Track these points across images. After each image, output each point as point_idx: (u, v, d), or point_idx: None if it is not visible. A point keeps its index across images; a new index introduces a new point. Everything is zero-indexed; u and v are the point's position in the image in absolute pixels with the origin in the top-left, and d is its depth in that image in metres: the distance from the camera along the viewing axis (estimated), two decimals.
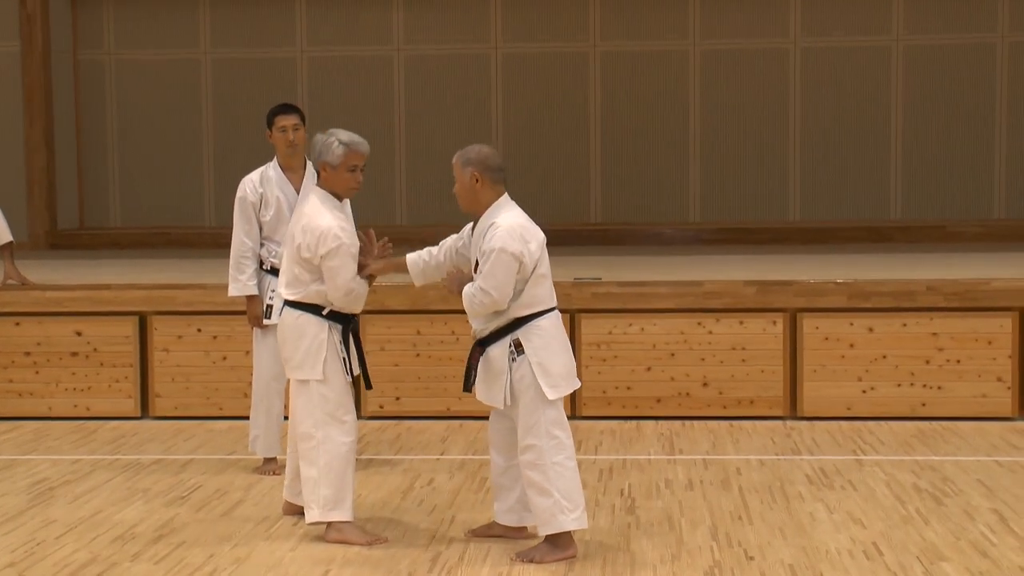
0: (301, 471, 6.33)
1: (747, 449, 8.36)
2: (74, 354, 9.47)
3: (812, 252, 12.47)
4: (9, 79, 14.60)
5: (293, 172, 7.62)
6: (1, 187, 14.08)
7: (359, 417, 7.32)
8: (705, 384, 9.24)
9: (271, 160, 7.76)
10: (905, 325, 9.15)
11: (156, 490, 7.40)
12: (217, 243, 13.69)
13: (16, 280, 9.71)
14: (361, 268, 6.27)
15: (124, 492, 7.36)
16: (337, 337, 6.26)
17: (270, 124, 7.70)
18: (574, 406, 9.21)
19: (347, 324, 6.31)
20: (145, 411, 9.50)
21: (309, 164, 7.56)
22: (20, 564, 6.02)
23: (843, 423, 9.08)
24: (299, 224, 6.25)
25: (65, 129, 14.92)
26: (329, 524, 6.27)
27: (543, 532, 5.98)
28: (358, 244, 6.25)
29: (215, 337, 9.40)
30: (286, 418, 7.20)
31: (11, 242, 9.76)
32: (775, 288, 9.24)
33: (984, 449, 8.27)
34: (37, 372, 9.48)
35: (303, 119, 7.70)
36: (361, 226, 6.46)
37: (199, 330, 9.42)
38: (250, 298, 7.66)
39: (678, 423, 9.16)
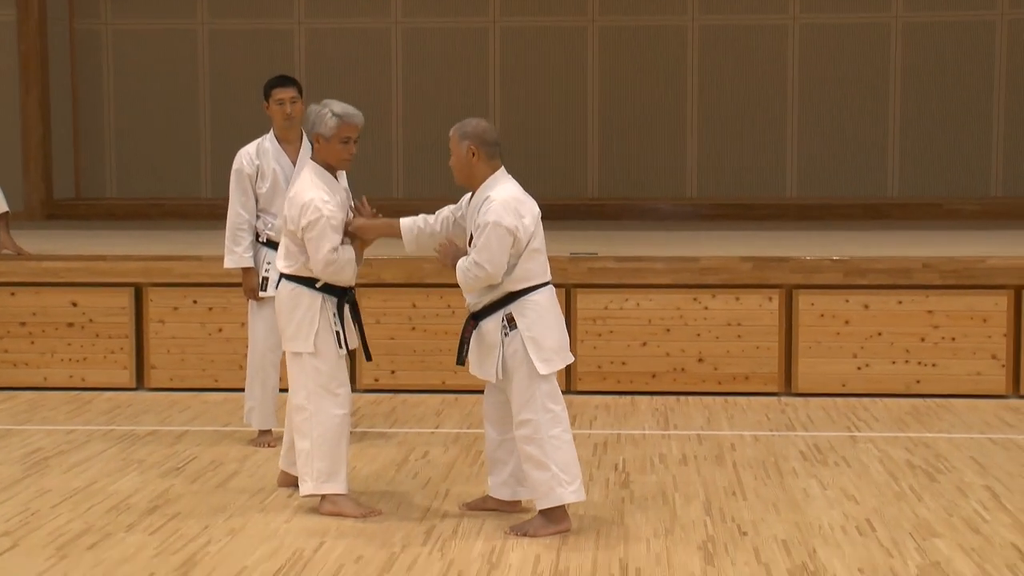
0: (295, 443, 6.34)
1: (741, 425, 8.37)
2: (70, 325, 9.46)
3: (809, 229, 12.47)
4: (5, 48, 14.55)
5: (289, 144, 7.61)
6: None
7: (354, 390, 7.33)
8: (700, 360, 9.25)
9: (267, 132, 7.74)
10: (901, 302, 9.16)
11: (151, 461, 7.41)
12: (213, 214, 13.68)
13: (12, 250, 9.70)
14: (352, 237, 6.26)
15: (119, 463, 7.37)
16: (331, 310, 6.25)
17: (267, 96, 7.67)
18: (569, 381, 9.22)
19: (342, 296, 6.31)
20: (140, 382, 9.50)
21: (305, 136, 7.54)
22: (15, 533, 6.03)
23: (838, 399, 9.09)
24: (288, 198, 6.27)
25: (61, 99, 14.88)
26: (323, 496, 6.29)
27: (541, 506, 5.99)
28: (342, 216, 6.21)
29: (211, 309, 9.40)
30: (283, 390, 7.22)
31: (7, 212, 9.75)
32: (771, 264, 9.24)
33: (978, 426, 8.29)
34: (32, 342, 9.48)
35: (300, 92, 7.68)
36: (358, 196, 6.45)
37: (195, 302, 9.42)
38: (245, 270, 7.66)
39: (673, 398, 9.17)
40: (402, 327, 9.32)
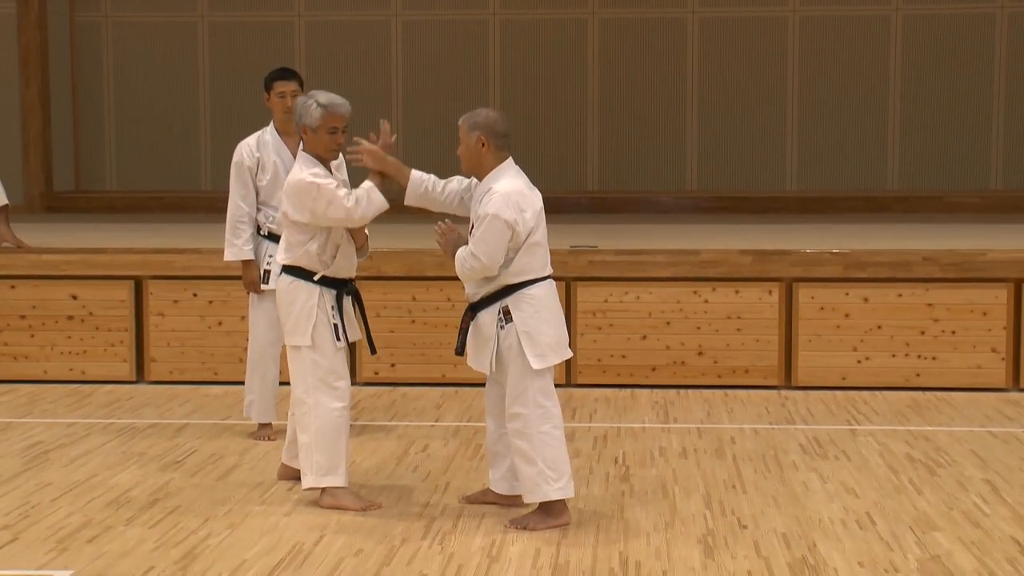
0: (298, 437, 6.34)
1: (741, 418, 8.38)
2: (69, 318, 9.46)
3: (809, 222, 12.46)
4: (5, 40, 14.54)
5: (289, 136, 7.60)
6: None
7: (354, 383, 7.34)
8: (700, 353, 9.25)
9: (268, 122, 7.73)
10: (901, 295, 9.16)
11: (151, 454, 7.41)
12: (213, 207, 13.72)
13: (11, 243, 9.70)
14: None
15: (119, 456, 7.37)
16: (329, 303, 6.24)
17: (268, 88, 7.66)
18: (569, 374, 9.23)
19: (341, 289, 6.30)
20: (140, 375, 9.50)
21: None
22: (15, 527, 6.03)
23: (837, 393, 9.10)
24: (284, 188, 6.27)
25: (61, 91, 14.87)
26: (323, 489, 6.29)
27: (528, 500, 6.01)
28: (335, 182, 6.19)
29: (211, 302, 9.40)
30: (283, 383, 7.22)
31: (6, 205, 9.75)
32: (771, 257, 9.24)
33: (978, 420, 8.29)
34: (32, 335, 9.48)
35: (301, 85, 7.67)
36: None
37: (195, 294, 9.42)
38: (245, 263, 7.65)
39: (673, 392, 9.17)
40: (402, 320, 9.32)
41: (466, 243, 5.99)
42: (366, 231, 6.42)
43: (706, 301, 9.23)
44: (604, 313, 9.26)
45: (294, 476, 6.66)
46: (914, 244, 9.72)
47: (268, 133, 7.65)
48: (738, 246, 9.52)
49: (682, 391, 9.18)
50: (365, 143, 6.23)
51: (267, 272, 7.57)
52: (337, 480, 6.25)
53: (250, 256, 7.62)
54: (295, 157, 7.49)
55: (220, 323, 9.39)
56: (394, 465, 7.17)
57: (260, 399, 7.73)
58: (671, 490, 6.64)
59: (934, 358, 9.15)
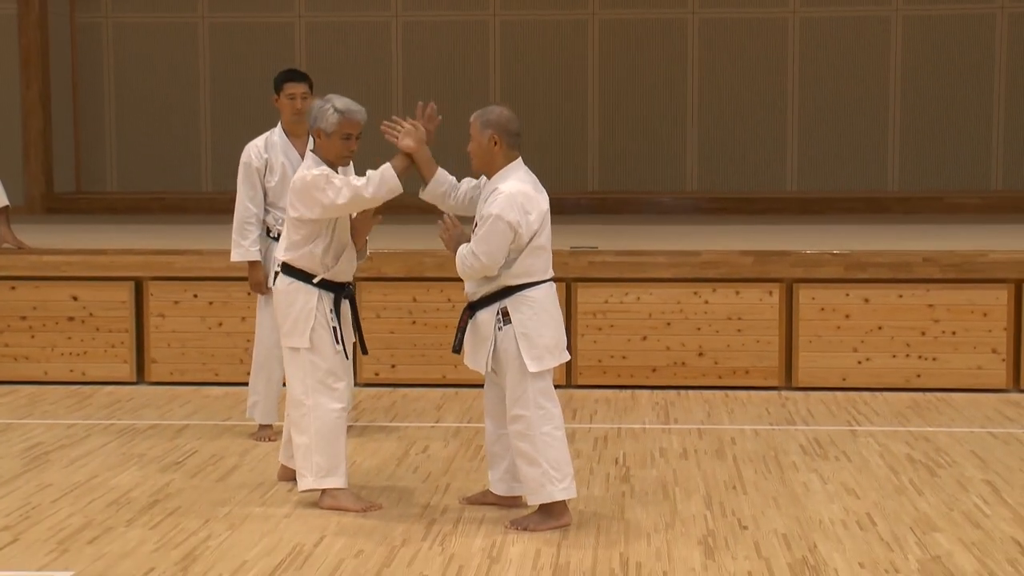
0: (293, 438, 6.34)
1: (742, 419, 8.38)
2: (70, 319, 9.46)
3: (809, 223, 12.46)
4: (6, 41, 14.54)
5: (298, 138, 7.58)
6: None
7: (354, 384, 7.33)
8: (701, 354, 9.25)
9: (270, 124, 7.72)
10: (901, 296, 9.16)
11: (151, 455, 7.41)
12: (214, 208, 13.72)
13: (12, 244, 9.70)
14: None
15: (119, 457, 7.37)
16: (328, 305, 6.24)
17: (278, 89, 7.65)
18: (569, 375, 9.23)
19: (339, 292, 6.29)
20: (141, 376, 9.50)
21: None
22: (15, 528, 6.03)
23: (838, 394, 9.10)
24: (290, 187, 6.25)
25: (62, 92, 14.87)
26: (323, 491, 6.29)
27: (532, 502, 6.00)
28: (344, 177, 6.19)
29: (211, 303, 9.40)
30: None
31: (7, 206, 9.76)
32: (772, 258, 9.24)
33: (978, 421, 8.29)
34: (33, 336, 9.48)
35: (311, 87, 7.65)
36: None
37: (195, 296, 9.42)
38: (252, 264, 7.64)
39: (673, 392, 9.17)
40: (402, 321, 9.32)
41: (469, 240, 5.98)
42: (367, 237, 6.41)
43: (706, 302, 9.23)
44: (604, 314, 9.26)
45: (293, 476, 6.66)
46: (914, 245, 9.72)
47: (276, 134, 7.64)
48: (738, 247, 9.52)
49: (682, 392, 9.18)
50: (409, 121, 6.19)
51: (277, 274, 7.55)
52: (337, 481, 6.25)
53: (257, 257, 7.61)
54: (302, 158, 7.51)
55: (220, 324, 9.39)
56: (394, 466, 7.17)
57: (264, 400, 7.72)
58: (672, 491, 6.64)
59: (934, 359, 9.15)
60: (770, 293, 9.21)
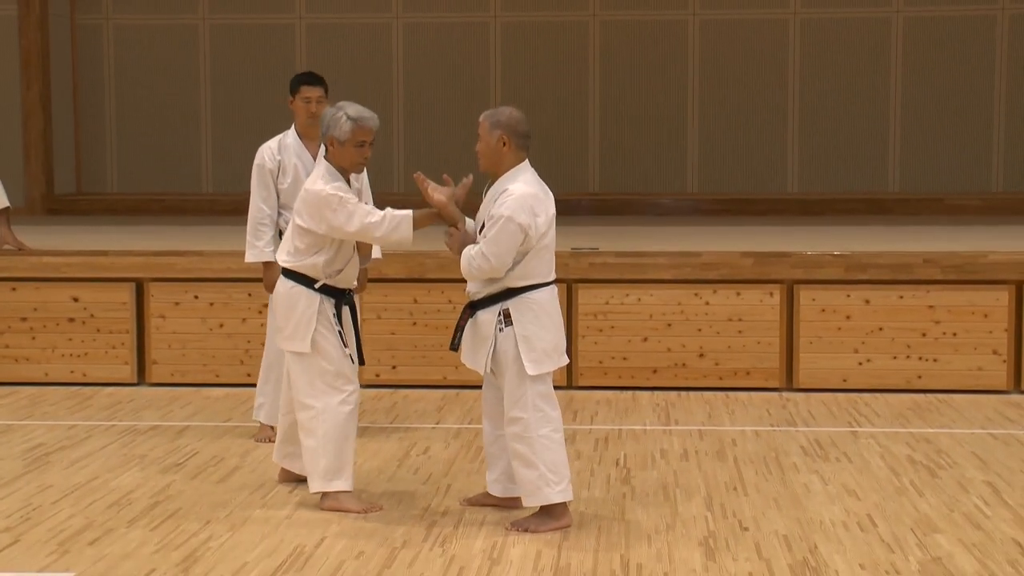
0: (301, 441, 6.32)
1: (742, 420, 8.37)
2: (71, 320, 9.46)
3: (810, 224, 12.46)
4: (6, 42, 14.54)
5: (311, 140, 7.59)
6: None
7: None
8: (701, 355, 9.25)
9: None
10: (902, 297, 9.16)
11: (152, 456, 7.41)
12: (214, 210, 13.73)
13: (13, 245, 9.71)
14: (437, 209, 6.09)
15: (120, 458, 7.37)
16: (330, 310, 6.23)
17: (294, 92, 7.66)
18: (570, 376, 9.23)
19: (340, 298, 6.29)
20: (141, 377, 9.50)
21: None
22: (16, 529, 6.03)
23: (839, 395, 9.10)
24: (299, 196, 6.24)
25: (62, 93, 14.87)
26: (324, 492, 6.28)
27: (528, 504, 6.01)
28: (356, 198, 6.17)
29: (212, 304, 9.40)
30: None
31: (8, 207, 9.76)
32: (772, 259, 9.24)
33: (979, 422, 8.29)
34: (33, 338, 9.48)
35: (327, 91, 7.65)
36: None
37: (196, 297, 9.42)
38: (266, 264, 7.64)
39: (674, 394, 9.17)
40: (403, 322, 9.32)
41: (474, 241, 5.98)
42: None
43: (707, 303, 9.23)
44: (605, 315, 9.26)
45: (293, 478, 6.67)
46: (915, 246, 9.72)
47: (290, 136, 7.66)
48: (739, 248, 9.52)
49: (683, 393, 9.18)
50: (441, 189, 6.08)
51: None
52: (344, 484, 6.25)
53: (271, 258, 7.60)
54: (315, 160, 7.51)
55: (221, 325, 9.39)
56: (395, 467, 7.17)
57: (271, 402, 7.70)
58: (672, 492, 6.64)
59: (935, 360, 9.15)
60: (771, 294, 9.21)
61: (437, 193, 6.10)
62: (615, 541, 5.83)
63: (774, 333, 9.21)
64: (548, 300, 6.00)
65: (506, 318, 5.94)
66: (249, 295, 9.31)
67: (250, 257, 7.69)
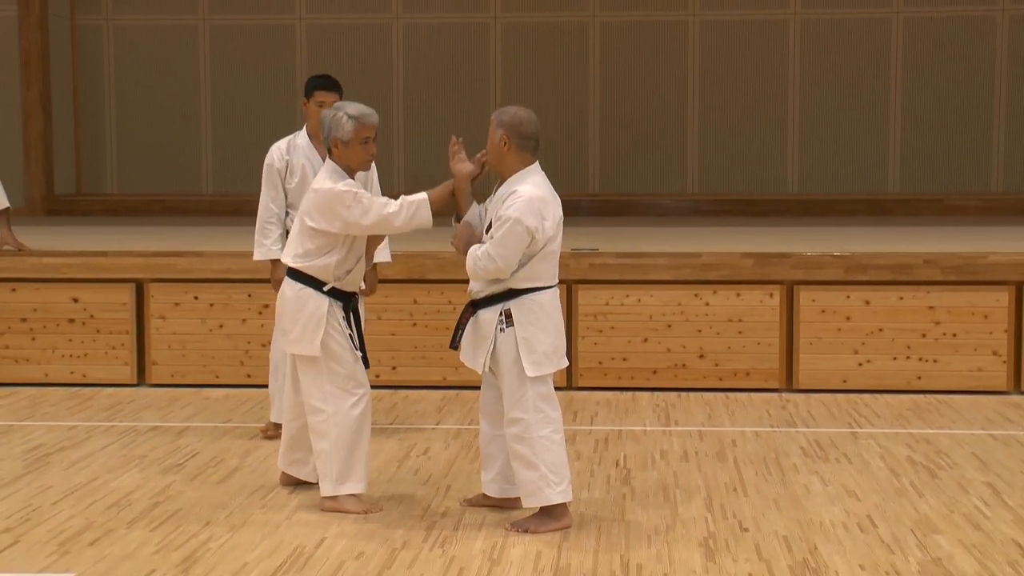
0: (313, 445, 6.30)
1: (742, 421, 8.37)
2: (71, 321, 9.46)
3: (810, 224, 12.47)
4: (6, 43, 14.54)
5: (322, 143, 7.60)
6: None
7: None
8: (701, 356, 9.25)
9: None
10: (902, 298, 9.16)
11: (152, 457, 7.41)
12: (214, 210, 13.73)
13: (13, 246, 9.71)
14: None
15: (120, 459, 7.37)
16: (339, 313, 6.22)
17: (308, 94, 7.68)
18: (570, 377, 9.23)
19: (347, 302, 6.28)
20: (141, 378, 9.50)
21: None
22: (16, 530, 6.03)
23: (839, 396, 9.10)
24: (307, 197, 6.23)
25: (62, 94, 14.88)
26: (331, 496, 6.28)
27: (528, 504, 6.00)
28: (368, 192, 6.18)
29: (212, 305, 9.40)
30: None
31: (8, 208, 9.76)
32: (772, 260, 9.24)
33: (979, 423, 8.29)
34: (33, 338, 9.48)
35: (341, 97, 7.66)
36: None
37: (196, 297, 9.42)
38: (274, 262, 7.67)
39: (674, 394, 9.17)
40: (403, 323, 9.32)
41: (479, 240, 5.97)
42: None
43: (707, 304, 9.23)
44: (605, 316, 9.26)
45: (296, 482, 6.66)
46: (915, 247, 9.72)
47: (300, 137, 7.70)
48: (739, 249, 9.52)
49: (683, 394, 9.18)
50: (466, 163, 6.07)
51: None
52: (355, 487, 6.24)
53: (279, 256, 7.62)
54: (324, 161, 7.50)
55: (221, 326, 9.39)
56: (395, 468, 7.17)
57: (279, 401, 7.69)
58: (672, 493, 6.64)
59: (935, 361, 9.15)
60: (771, 295, 9.21)
61: (461, 164, 6.10)
62: (615, 542, 5.83)
63: (774, 334, 9.21)
64: (550, 302, 5.99)
65: (507, 319, 5.94)
66: (249, 296, 9.32)
67: (258, 255, 7.75)
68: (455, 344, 6.14)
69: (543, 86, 14.89)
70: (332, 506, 6.26)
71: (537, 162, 6.06)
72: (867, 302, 9.16)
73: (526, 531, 5.93)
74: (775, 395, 9.15)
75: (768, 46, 14.78)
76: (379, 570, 5.46)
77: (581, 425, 8.22)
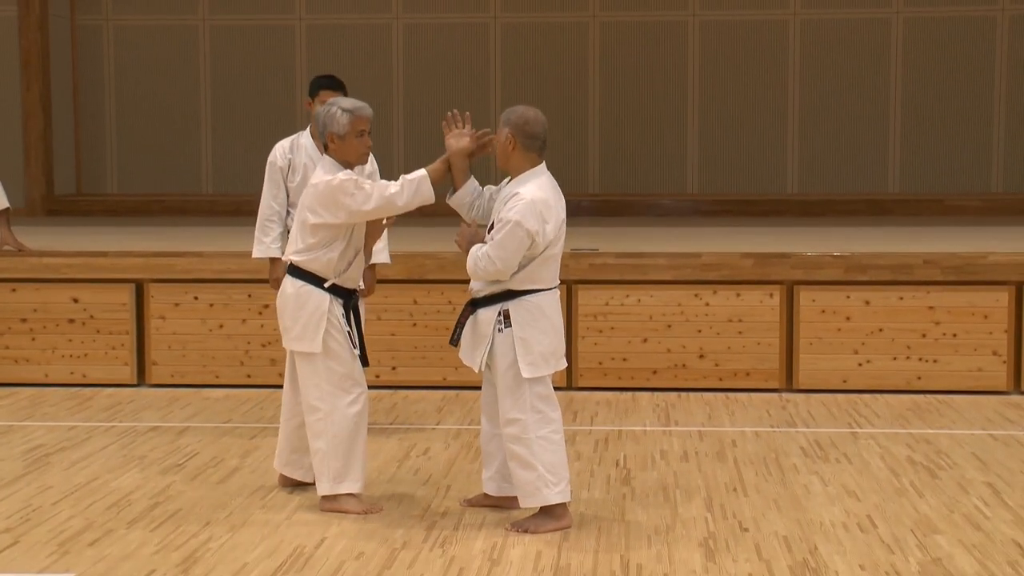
0: (310, 443, 6.30)
1: (742, 421, 8.37)
2: (71, 321, 9.46)
3: (810, 224, 12.47)
4: (6, 43, 14.54)
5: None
6: None
7: None
8: (701, 356, 9.25)
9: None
10: (902, 298, 9.16)
11: (152, 458, 7.41)
12: (214, 210, 13.73)
13: (13, 246, 9.71)
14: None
15: (120, 459, 7.37)
16: (339, 311, 6.22)
17: (313, 94, 7.69)
18: (570, 377, 9.23)
19: (347, 299, 6.28)
20: (141, 378, 9.50)
21: None
22: (16, 530, 6.03)
23: (839, 396, 9.10)
24: (306, 193, 6.23)
25: (62, 94, 14.87)
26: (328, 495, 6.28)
27: (525, 505, 5.99)
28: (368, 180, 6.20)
29: (212, 305, 9.40)
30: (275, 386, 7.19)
31: (8, 208, 9.77)
32: (772, 260, 9.23)
33: (979, 423, 8.29)
34: (33, 339, 9.48)
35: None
36: None
37: (196, 298, 9.42)
38: (273, 261, 7.69)
39: (674, 395, 9.17)
40: (403, 323, 9.32)
41: (482, 241, 5.97)
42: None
43: (707, 304, 9.23)
44: (605, 316, 9.26)
45: (294, 483, 6.66)
46: (915, 247, 9.72)
47: (304, 137, 7.72)
48: (739, 249, 9.52)
49: (683, 394, 9.18)
50: (462, 138, 6.12)
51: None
52: (352, 486, 6.24)
53: (278, 254, 7.65)
54: None
55: (221, 326, 9.39)
56: (395, 468, 7.17)
57: None
58: (672, 493, 6.64)
59: (935, 361, 9.15)
60: (771, 295, 9.21)
61: (461, 139, 6.13)
62: (615, 542, 5.83)
63: (774, 334, 9.21)
64: (549, 304, 5.99)
65: (506, 319, 5.94)
66: (249, 296, 9.32)
67: (257, 253, 7.76)
68: (455, 341, 6.14)
69: (543, 86, 14.89)
70: (332, 506, 6.26)
71: (544, 163, 6.05)
72: (867, 302, 9.16)
73: (526, 531, 5.93)
74: (775, 395, 9.15)
75: (768, 46, 14.78)
76: (379, 570, 5.46)
77: (581, 425, 8.22)
